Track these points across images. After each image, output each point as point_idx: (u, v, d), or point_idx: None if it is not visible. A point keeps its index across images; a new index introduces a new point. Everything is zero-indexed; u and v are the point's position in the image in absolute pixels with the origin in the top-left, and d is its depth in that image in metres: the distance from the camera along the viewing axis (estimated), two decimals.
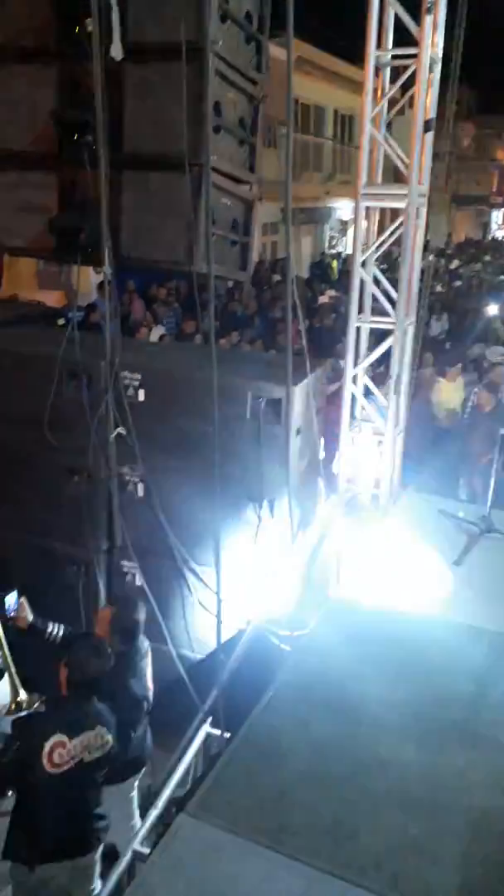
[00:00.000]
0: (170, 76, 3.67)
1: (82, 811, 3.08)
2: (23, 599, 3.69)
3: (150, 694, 3.69)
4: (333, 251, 22.31)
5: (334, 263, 18.96)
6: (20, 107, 4.08)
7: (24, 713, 3.41)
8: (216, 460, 3.18)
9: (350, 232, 23.37)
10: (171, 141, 3.78)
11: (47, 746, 2.86)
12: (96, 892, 3.19)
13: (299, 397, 4.10)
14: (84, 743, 2.96)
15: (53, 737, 2.89)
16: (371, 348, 4.86)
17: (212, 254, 2.78)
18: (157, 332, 9.93)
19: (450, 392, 7.69)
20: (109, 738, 3.06)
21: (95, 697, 3.11)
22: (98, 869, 3.24)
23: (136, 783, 3.80)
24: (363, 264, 4.68)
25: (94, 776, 3.07)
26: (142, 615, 3.76)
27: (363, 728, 2.59)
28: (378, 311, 4.74)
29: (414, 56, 4.27)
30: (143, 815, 3.52)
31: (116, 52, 3.51)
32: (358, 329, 4.78)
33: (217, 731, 3.41)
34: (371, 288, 4.70)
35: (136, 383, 4.29)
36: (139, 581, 4.52)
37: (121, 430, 4.25)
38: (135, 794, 3.82)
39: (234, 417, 4.10)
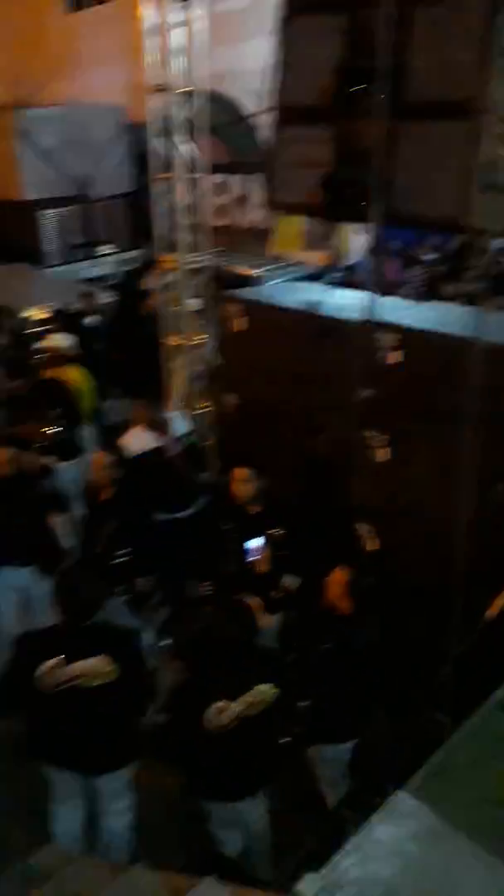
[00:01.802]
0: (461, 13, 3.40)
1: (249, 761, 3.17)
2: (266, 547, 3.83)
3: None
4: None
5: None
6: (306, 60, 4.08)
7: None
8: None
9: None
10: (456, 87, 3.53)
11: (211, 712, 2.94)
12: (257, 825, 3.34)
13: None
14: (246, 701, 3.00)
15: (215, 704, 2.95)
16: None
17: None
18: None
19: None
20: (272, 693, 3.06)
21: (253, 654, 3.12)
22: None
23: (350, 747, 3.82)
24: None
25: (260, 728, 3.10)
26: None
27: None
28: None
29: None
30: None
31: None
32: None
33: (440, 716, 3.28)
34: None
35: (394, 344, 4.17)
36: (371, 545, 4.46)
37: (369, 391, 4.17)
38: (347, 757, 3.85)
39: (496, 387, 3.79)
